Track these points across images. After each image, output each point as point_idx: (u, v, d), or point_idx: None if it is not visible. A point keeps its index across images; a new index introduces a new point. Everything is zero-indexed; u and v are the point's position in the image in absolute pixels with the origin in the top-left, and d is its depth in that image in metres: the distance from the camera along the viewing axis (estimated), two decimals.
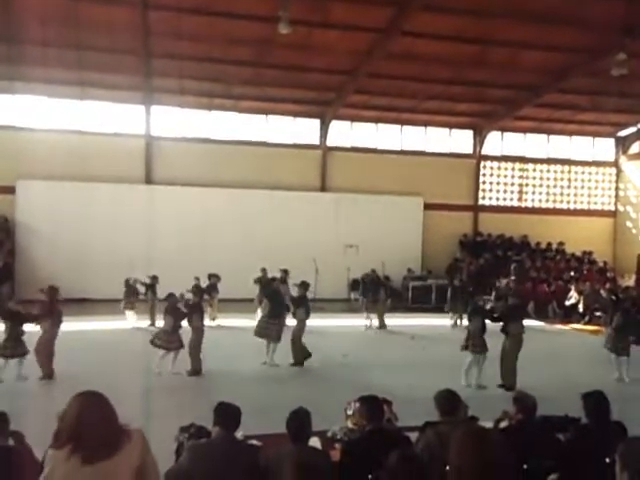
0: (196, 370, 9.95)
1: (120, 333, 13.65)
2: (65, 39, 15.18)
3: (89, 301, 17.06)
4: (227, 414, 4.09)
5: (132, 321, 14.34)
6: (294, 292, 11.83)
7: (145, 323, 14.23)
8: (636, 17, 13.95)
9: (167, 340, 9.91)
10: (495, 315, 10.20)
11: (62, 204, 18.08)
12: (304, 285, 11.50)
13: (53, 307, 9.61)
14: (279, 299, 11.51)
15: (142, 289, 14.64)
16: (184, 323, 10.22)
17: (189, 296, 10.97)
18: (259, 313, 12.85)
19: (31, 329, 9.47)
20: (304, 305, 11.24)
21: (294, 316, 11.21)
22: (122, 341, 12.52)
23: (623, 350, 10.45)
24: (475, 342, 9.69)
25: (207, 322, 14.17)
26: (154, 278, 14.70)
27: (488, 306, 11.77)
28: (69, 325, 9.68)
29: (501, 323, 9.86)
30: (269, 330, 10.88)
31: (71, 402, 2.87)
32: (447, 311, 16.79)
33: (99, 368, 9.90)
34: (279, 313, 11.19)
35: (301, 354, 10.86)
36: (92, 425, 2.74)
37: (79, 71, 17.00)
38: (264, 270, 15.03)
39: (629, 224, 23.29)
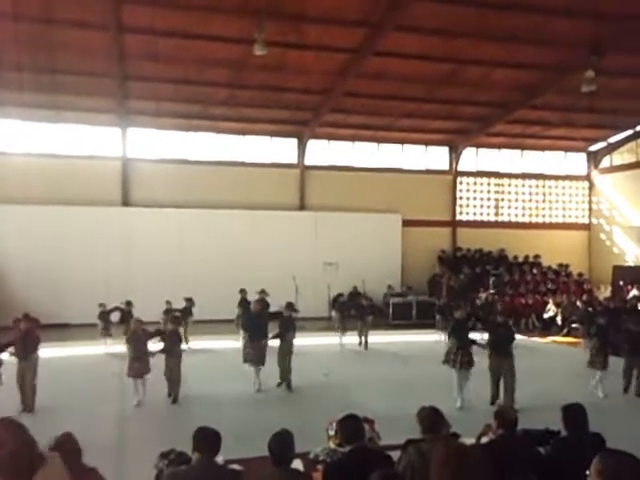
0: (176, 397, 9.66)
1: (98, 358, 13.41)
2: (39, 63, 15.09)
3: (67, 326, 16.77)
4: (206, 439, 4.01)
5: (107, 347, 13.94)
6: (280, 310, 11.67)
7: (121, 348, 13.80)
8: (602, 35, 14.38)
9: (131, 367, 9.49)
10: (486, 344, 9.92)
11: (38, 228, 17.86)
12: (290, 307, 11.27)
13: (31, 337, 9.28)
14: (258, 322, 11.06)
15: (116, 317, 14.29)
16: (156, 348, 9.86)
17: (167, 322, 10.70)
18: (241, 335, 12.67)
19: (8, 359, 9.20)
20: (292, 327, 11.00)
21: (281, 338, 10.85)
22: (100, 367, 12.31)
23: (599, 364, 10.33)
24: (455, 358, 9.51)
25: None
26: (128, 304, 14.27)
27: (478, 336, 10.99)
28: (47, 351, 9.47)
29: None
30: (250, 355, 10.67)
31: None
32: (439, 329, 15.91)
33: (78, 395, 9.76)
34: (258, 336, 10.72)
35: (287, 374, 10.62)
36: (6, 451, 2.70)
37: (54, 94, 16.93)
38: (243, 291, 14.94)
39: (603, 236, 23.72)
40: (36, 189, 18.06)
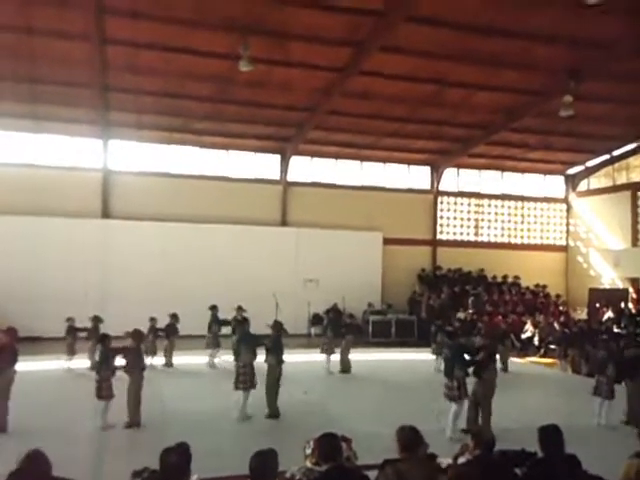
0: (134, 422, 8.92)
1: (71, 372, 13.19)
2: (20, 72, 15.00)
3: (41, 340, 16.43)
4: (169, 466, 3.81)
5: (69, 363, 13.43)
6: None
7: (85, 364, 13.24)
8: (580, 61, 14.74)
9: (98, 387, 8.93)
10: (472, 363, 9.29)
11: (15, 239, 17.56)
12: (278, 325, 10.33)
13: (12, 349, 9.01)
14: (247, 343, 10.08)
15: (83, 334, 13.71)
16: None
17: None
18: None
19: None
20: (279, 347, 10.05)
21: (266, 360, 10.05)
22: (76, 381, 12.09)
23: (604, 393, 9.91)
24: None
25: (160, 365, 13.87)
26: (96, 319, 13.68)
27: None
28: (20, 365, 9.24)
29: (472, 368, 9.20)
30: (238, 379, 9.69)
31: None
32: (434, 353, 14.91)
33: (51, 410, 9.56)
34: (245, 359, 9.81)
35: (275, 403, 9.78)
36: None
37: (34, 104, 16.80)
38: (214, 307, 14.84)
39: (580, 259, 24.07)
40: (14, 199, 17.80)
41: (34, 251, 17.70)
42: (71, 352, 13.55)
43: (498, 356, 10.94)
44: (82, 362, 13.24)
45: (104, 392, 8.91)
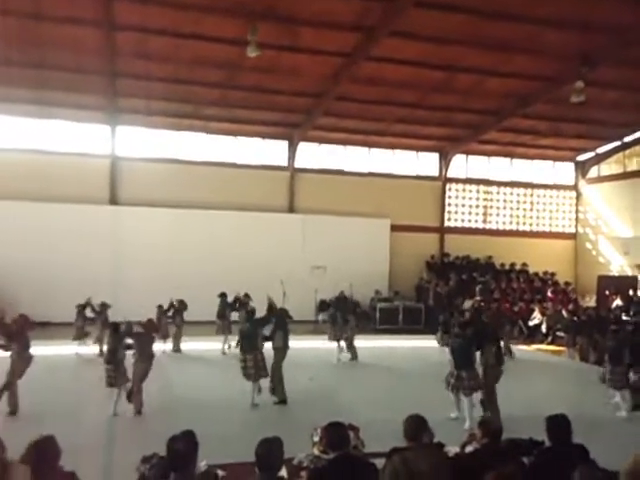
0: (139, 409, 8.95)
1: (81, 358, 13.33)
2: (28, 58, 14.99)
3: (51, 325, 16.56)
4: (176, 454, 3.81)
5: (78, 348, 13.57)
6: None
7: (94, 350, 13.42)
8: (591, 47, 14.53)
9: (110, 376, 9.00)
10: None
11: (24, 225, 17.66)
12: (280, 309, 10.40)
13: (23, 335, 9.14)
14: (247, 330, 10.04)
15: (92, 314, 13.90)
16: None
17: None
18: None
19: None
20: (284, 330, 10.00)
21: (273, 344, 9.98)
22: (85, 367, 12.21)
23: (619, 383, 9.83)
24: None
25: (168, 350, 14.01)
26: (103, 306, 13.86)
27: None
28: (31, 350, 9.35)
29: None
30: (247, 370, 9.64)
31: None
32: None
33: (61, 396, 9.64)
34: (247, 347, 9.75)
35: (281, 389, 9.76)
36: None
37: (43, 90, 16.79)
38: (224, 295, 14.98)
39: (589, 246, 23.93)
40: (22, 185, 17.88)
41: (44, 237, 17.81)
42: (81, 337, 13.69)
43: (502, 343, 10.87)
44: (92, 348, 13.43)
45: (115, 380, 8.96)
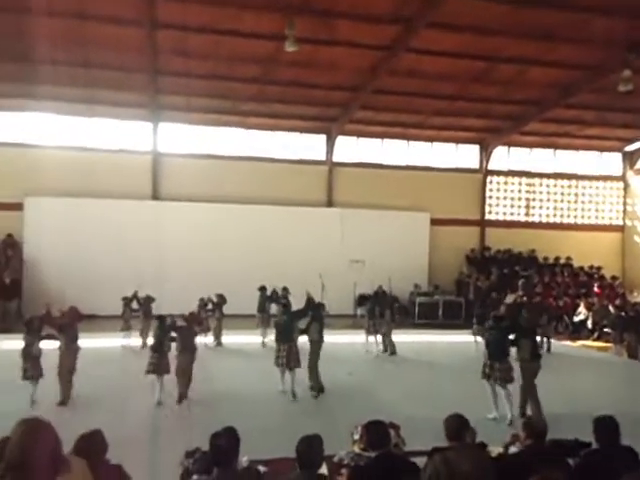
0: (183, 395, 9.31)
1: (126, 349, 13.69)
2: (73, 57, 15.40)
3: (97, 317, 17.01)
4: (218, 450, 3.87)
5: (124, 340, 13.98)
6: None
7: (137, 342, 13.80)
8: (639, 33, 14.01)
9: (152, 364, 9.29)
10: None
11: (69, 220, 18.18)
12: (317, 303, 10.62)
13: (72, 327, 9.48)
14: (284, 322, 10.25)
15: (136, 306, 14.33)
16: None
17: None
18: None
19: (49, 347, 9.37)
20: (320, 322, 10.23)
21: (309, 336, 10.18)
22: (130, 358, 12.52)
23: None
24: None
25: (210, 343, 14.24)
26: (148, 299, 14.31)
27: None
28: (79, 342, 9.66)
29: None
30: (279, 359, 9.93)
31: (15, 429, 2.77)
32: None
33: (108, 388, 9.89)
34: (283, 338, 10.00)
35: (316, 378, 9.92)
36: (32, 454, 2.64)
37: (87, 89, 17.20)
38: (264, 288, 15.22)
39: (637, 239, 23.14)
40: (68, 182, 18.37)
41: (88, 231, 18.28)
42: (127, 329, 14.07)
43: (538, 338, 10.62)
44: (137, 340, 13.77)
45: (157, 368, 9.19)
